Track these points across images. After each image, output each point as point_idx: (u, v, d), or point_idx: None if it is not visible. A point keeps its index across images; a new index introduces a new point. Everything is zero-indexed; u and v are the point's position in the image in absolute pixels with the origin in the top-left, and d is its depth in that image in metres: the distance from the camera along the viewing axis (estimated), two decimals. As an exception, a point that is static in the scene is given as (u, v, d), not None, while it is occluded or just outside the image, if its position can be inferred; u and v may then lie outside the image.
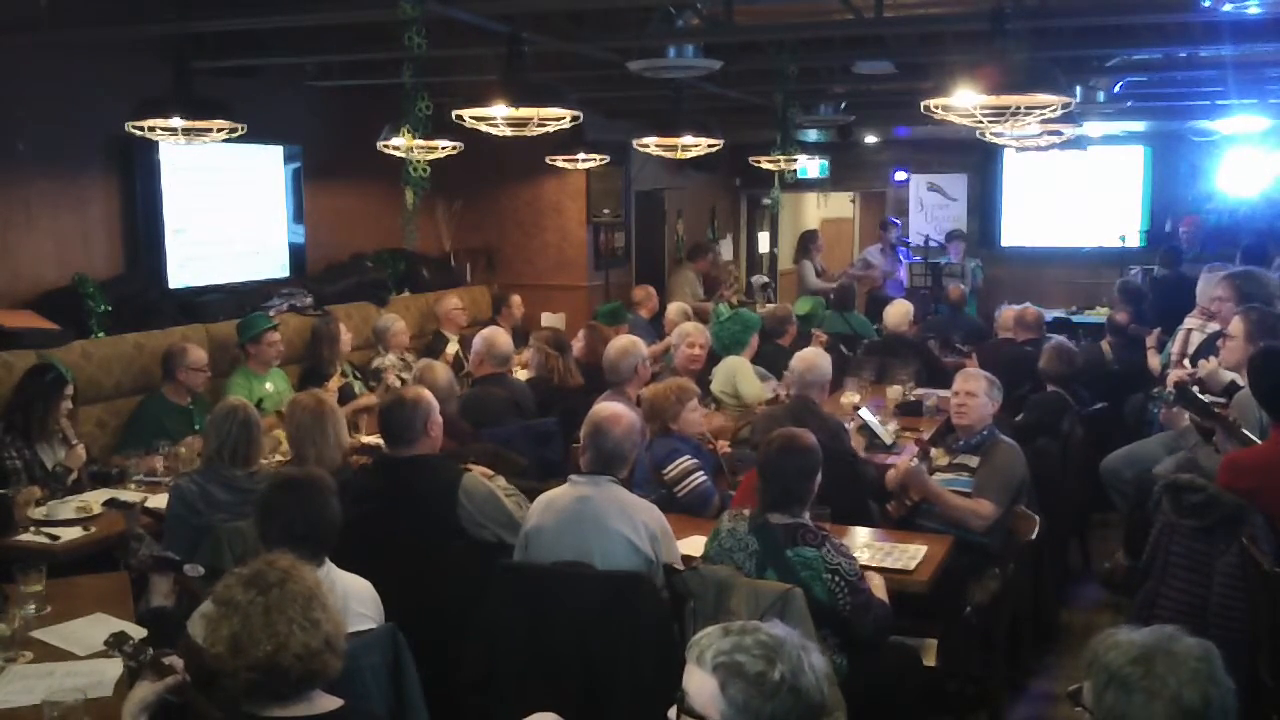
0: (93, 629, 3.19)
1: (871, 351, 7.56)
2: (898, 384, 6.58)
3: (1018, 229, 12.21)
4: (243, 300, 6.77)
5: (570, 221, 9.48)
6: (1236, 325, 4.85)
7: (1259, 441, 4.03)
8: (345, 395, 6.15)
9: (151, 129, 5.18)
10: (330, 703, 2.30)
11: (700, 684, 1.89)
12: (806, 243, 11.51)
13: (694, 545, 3.86)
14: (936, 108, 4.21)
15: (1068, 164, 11.58)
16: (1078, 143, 8.88)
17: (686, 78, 6.16)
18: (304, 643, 2.22)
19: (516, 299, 8.36)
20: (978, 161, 12.07)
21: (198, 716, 2.38)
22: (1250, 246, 8.63)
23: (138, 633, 2.76)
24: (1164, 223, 11.20)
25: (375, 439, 4.88)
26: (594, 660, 3.39)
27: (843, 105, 8.57)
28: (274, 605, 2.23)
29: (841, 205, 15.27)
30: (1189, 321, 6.18)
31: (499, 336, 5.94)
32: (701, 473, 4.52)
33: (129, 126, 5.20)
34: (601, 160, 7.98)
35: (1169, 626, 1.92)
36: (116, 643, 2.46)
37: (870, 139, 12.14)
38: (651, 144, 6.79)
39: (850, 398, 6.24)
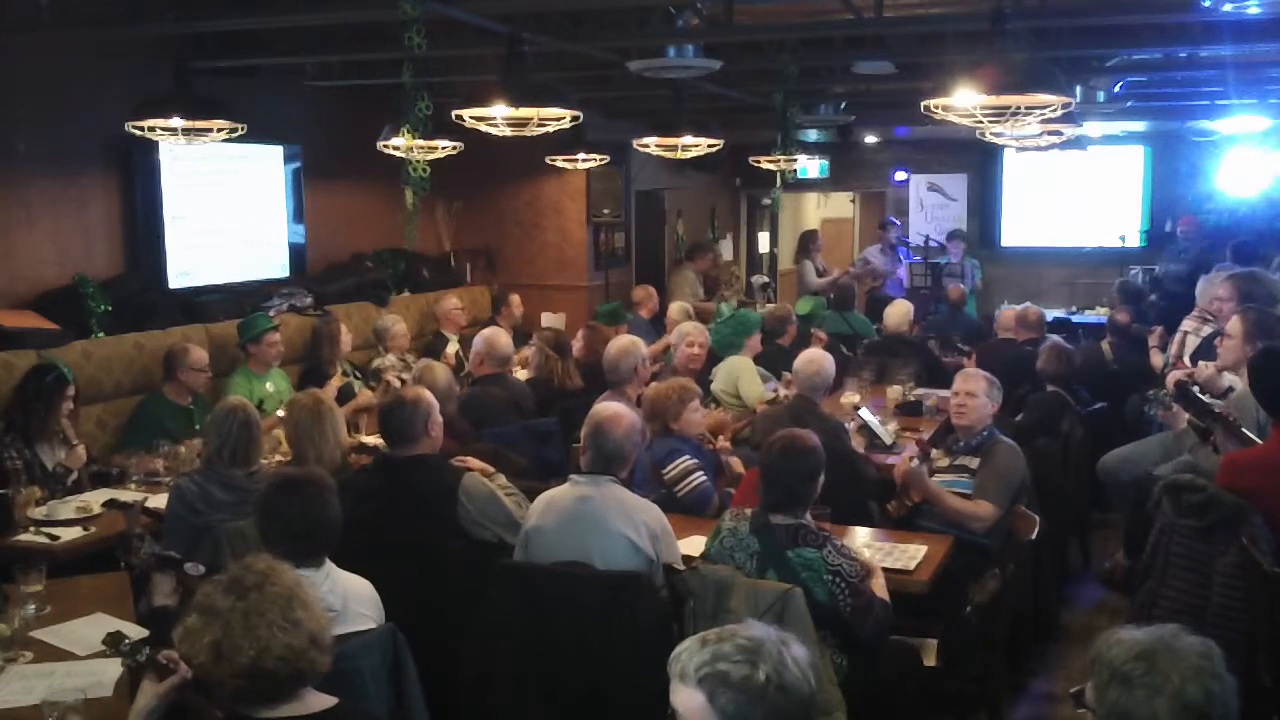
0: (93, 629, 3.19)
1: (871, 351, 7.56)
2: (898, 384, 6.57)
3: (1018, 229, 12.20)
4: (243, 300, 6.77)
5: (570, 221, 9.48)
6: (1235, 325, 4.85)
7: (1259, 441, 4.03)
8: (345, 395, 6.15)
9: (151, 129, 5.18)
10: (324, 701, 2.29)
11: (688, 700, 1.87)
12: (807, 243, 11.51)
13: (694, 545, 3.86)
14: (936, 108, 4.20)
15: (1068, 164, 11.58)
16: (1078, 143, 8.88)
17: (686, 78, 6.16)
18: (286, 644, 2.20)
19: (516, 299, 8.36)
20: (978, 161, 12.07)
21: (197, 716, 2.38)
22: (1240, 244, 8.63)
23: (135, 632, 2.76)
24: (1164, 223, 11.21)
25: (375, 439, 4.88)
26: (594, 660, 3.39)
27: (843, 105, 8.57)
28: (253, 609, 2.21)
29: (841, 205, 15.27)
30: (1186, 324, 6.18)
31: (499, 337, 5.93)
32: (701, 473, 4.52)
33: (129, 126, 5.19)
34: (601, 160, 7.98)
35: (1171, 625, 1.92)
36: (113, 642, 2.46)
37: (870, 139, 12.14)
38: (651, 144, 6.79)
39: (850, 398, 6.24)
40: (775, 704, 1.85)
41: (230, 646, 2.18)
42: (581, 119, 4.90)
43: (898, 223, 11.86)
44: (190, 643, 2.23)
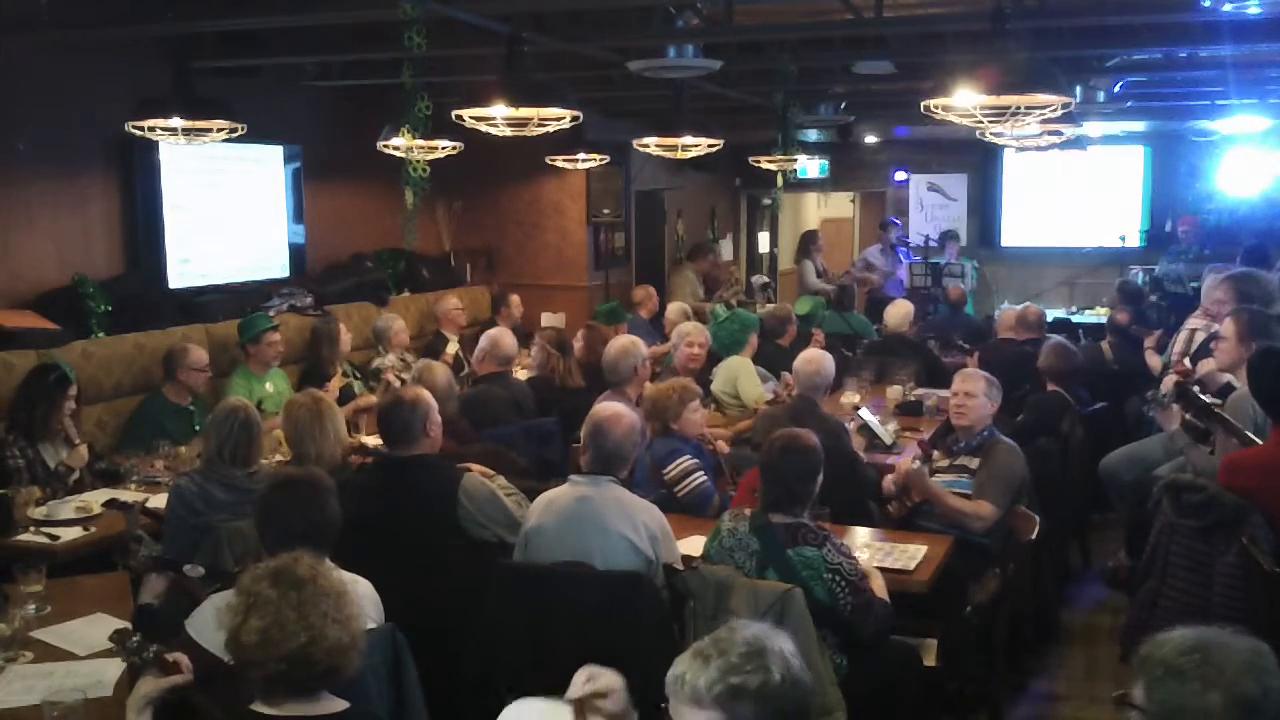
0: (93, 629, 3.20)
1: (871, 351, 7.56)
2: (898, 384, 6.58)
3: (1018, 229, 12.21)
4: (243, 300, 6.77)
5: (570, 221, 9.48)
6: (1228, 326, 4.86)
7: (1259, 441, 4.03)
8: (345, 395, 6.15)
9: (151, 129, 5.18)
10: (336, 705, 2.30)
11: None
12: (807, 243, 11.51)
13: (694, 545, 3.86)
14: (936, 108, 4.21)
15: (1068, 164, 11.59)
16: (1078, 143, 8.88)
17: (686, 78, 6.16)
18: (337, 637, 2.23)
19: (515, 299, 8.36)
20: (978, 161, 12.07)
21: (198, 715, 2.38)
22: (1252, 247, 8.63)
23: (141, 632, 2.76)
24: (1164, 223, 11.22)
25: (375, 439, 4.88)
26: (594, 660, 3.38)
27: (843, 105, 8.57)
28: (307, 600, 2.23)
29: (841, 205, 15.28)
30: (1192, 321, 6.17)
31: (504, 336, 5.95)
32: (701, 473, 4.52)
33: (129, 126, 5.20)
34: (601, 160, 7.98)
35: (1222, 625, 1.92)
36: (119, 639, 2.46)
37: (870, 139, 12.15)
38: (651, 144, 6.79)
39: (850, 398, 6.24)
40: (788, 697, 1.86)
41: (280, 632, 2.19)
42: (581, 119, 4.90)
43: (898, 223, 11.86)
44: (234, 624, 2.24)
